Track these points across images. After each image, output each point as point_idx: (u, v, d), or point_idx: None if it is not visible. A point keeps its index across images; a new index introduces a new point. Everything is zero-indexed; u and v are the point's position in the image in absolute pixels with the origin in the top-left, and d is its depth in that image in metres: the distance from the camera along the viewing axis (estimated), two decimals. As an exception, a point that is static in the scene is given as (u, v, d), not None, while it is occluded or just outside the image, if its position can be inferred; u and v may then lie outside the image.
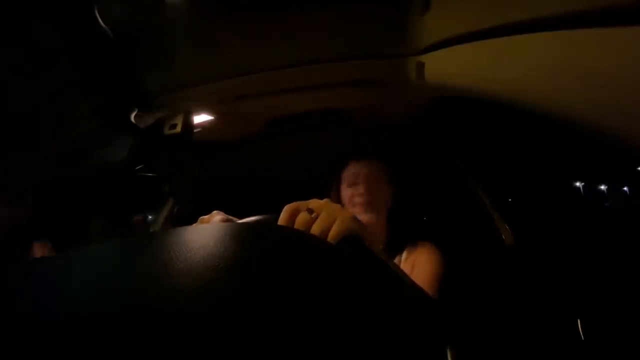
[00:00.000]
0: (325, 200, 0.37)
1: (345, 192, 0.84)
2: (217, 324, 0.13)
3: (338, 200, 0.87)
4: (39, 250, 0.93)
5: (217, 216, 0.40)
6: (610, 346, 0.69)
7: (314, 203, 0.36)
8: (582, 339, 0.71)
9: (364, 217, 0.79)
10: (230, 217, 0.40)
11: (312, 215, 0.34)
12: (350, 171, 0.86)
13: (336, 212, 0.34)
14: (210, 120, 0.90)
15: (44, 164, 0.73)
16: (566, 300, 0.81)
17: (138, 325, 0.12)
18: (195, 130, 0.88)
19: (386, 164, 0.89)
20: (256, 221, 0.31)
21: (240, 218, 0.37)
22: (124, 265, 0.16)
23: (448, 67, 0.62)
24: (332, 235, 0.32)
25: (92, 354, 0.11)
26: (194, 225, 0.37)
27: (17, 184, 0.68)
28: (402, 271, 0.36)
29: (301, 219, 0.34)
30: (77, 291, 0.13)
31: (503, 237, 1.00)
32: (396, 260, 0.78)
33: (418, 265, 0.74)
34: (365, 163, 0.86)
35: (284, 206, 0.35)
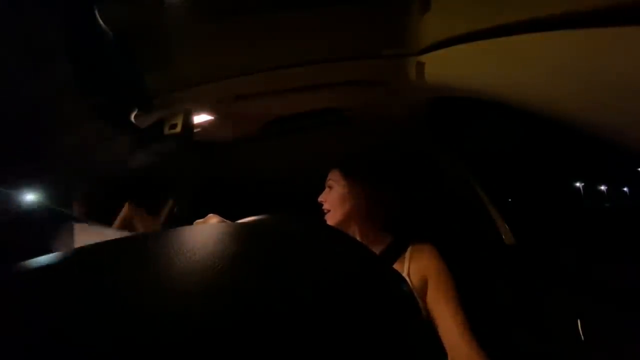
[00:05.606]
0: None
1: None
2: (217, 324, 0.13)
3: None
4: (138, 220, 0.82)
5: (212, 219, 0.40)
6: (610, 346, 0.69)
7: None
8: (582, 339, 0.71)
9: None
10: (226, 220, 0.40)
11: None
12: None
13: None
14: (210, 120, 0.90)
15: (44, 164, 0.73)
16: (566, 300, 0.81)
17: (137, 326, 0.12)
18: (195, 130, 0.88)
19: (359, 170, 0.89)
20: (256, 221, 0.31)
21: (236, 220, 0.37)
22: (122, 265, 0.16)
23: (448, 67, 0.62)
24: None
25: (91, 357, 0.11)
26: (193, 225, 0.37)
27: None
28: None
29: None
30: (73, 292, 0.13)
31: (503, 237, 1.00)
32: (397, 267, 0.77)
33: (434, 286, 0.74)
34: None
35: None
